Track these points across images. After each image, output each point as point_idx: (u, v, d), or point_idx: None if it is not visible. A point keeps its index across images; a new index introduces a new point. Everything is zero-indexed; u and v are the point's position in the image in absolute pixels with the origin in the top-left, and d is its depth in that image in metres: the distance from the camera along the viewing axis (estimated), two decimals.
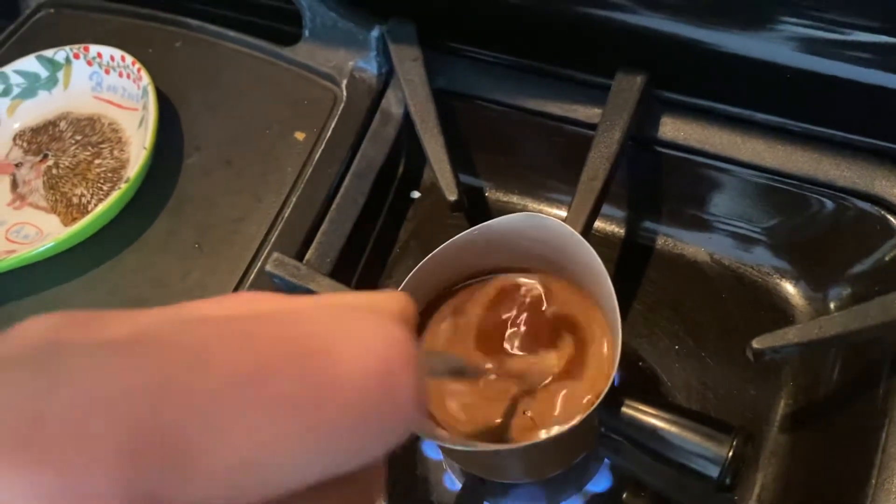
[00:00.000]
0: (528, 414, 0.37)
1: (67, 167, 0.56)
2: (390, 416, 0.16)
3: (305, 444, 0.15)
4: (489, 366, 0.38)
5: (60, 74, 0.60)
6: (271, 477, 0.14)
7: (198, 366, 0.14)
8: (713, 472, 0.33)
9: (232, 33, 0.60)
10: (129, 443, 0.13)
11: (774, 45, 0.45)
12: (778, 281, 0.51)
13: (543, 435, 0.35)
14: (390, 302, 0.21)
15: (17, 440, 0.12)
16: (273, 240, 0.50)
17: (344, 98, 0.56)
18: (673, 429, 0.34)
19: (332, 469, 0.15)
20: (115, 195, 0.50)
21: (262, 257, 0.49)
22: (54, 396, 0.13)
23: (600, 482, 0.44)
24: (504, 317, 0.40)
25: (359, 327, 0.16)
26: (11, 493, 0.12)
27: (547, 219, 0.37)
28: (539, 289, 0.41)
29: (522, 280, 0.41)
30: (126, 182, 0.51)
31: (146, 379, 0.14)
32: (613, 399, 0.35)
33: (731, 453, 0.32)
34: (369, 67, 0.56)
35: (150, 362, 0.14)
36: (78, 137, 0.58)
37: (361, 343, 0.16)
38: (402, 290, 0.37)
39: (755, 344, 0.40)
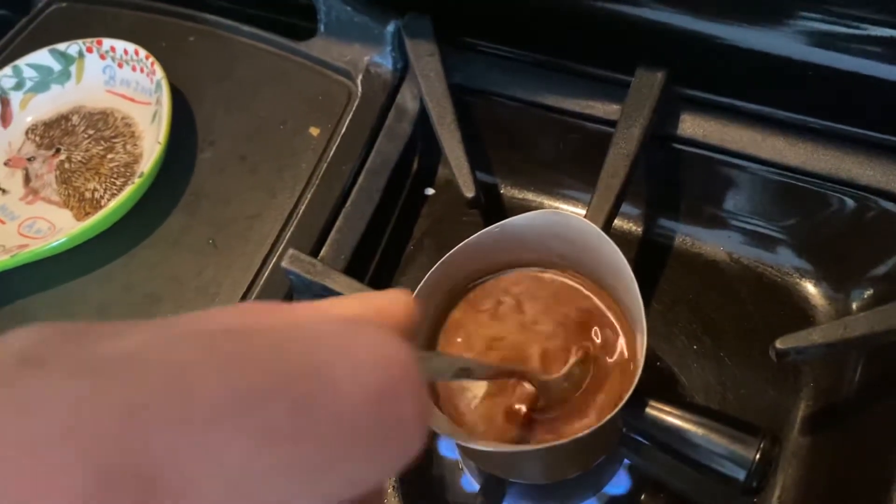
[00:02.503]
0: (550, 414, 0.36)
1: (80, 161, 0.56)
2: (391, 440, 0.15)
3: (295, 477, 0.13)
4: (505, 367, 0.37)
5: (73, 68, 0.59)
6: None
7: (177, 392, 0.12)
8: (740, 474, 0.32)
9: (246, 28, 0.60)
10: (96, 477, 0.11)
11: (796, 42, 0.44)
12: (798, 281, 0.50)
13: (566, 436, 0.34)
14: (395, 307, 0.20)
15: None
16: (288, 236, 0.50)
17: (359, 93, 0.55)
18: (698, 430, 0.33)
19: (329, 499, 0.14)
20: (128, 190, 0.50)
21: (277, 254, 0.49)
22: (16, 424, 0.11)
23: (619, 484, 0.43)
24: (526, 315, 0.40)
25: (357, 344, 0.15)
26: None
27: (571, 216, 0.37)
28: (561, 286, 0.40)
29: (544, 276, 0.41)
30: (139, 177, 0.50)
31: (117, 405, 0.12)
32: (637, 400, 0.34)
33: (758, 455, 0.32)
34: (385, 62, 0.55)
35: (124, 386, 0.12)
36: (91, 132, 0.58)
37: (359, 363, 0.15)
38: (423, 285, 0.37)
39: (779, 344, 0.39)
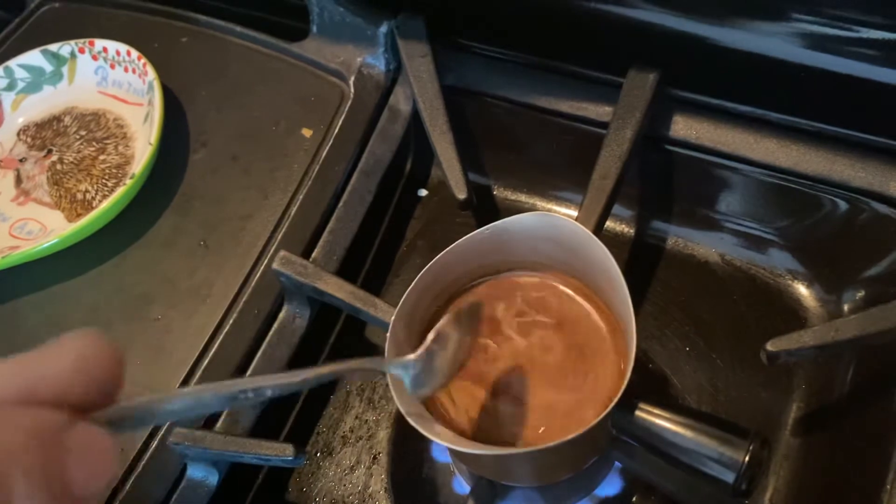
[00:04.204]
0: (541, 416, 0.36)
1: (72, 163, 0.56)
2: None
3: None
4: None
5: (65, 69, 0.59)
6: None
7: None
8: (729, 477, 0.32)
9: (239, 28, 0.60)
10: None
11: (788, 44, 0.44)
12: (790, 282, 0.50)
13: (556, 439, 0.34)
14: (61, 372, 0.18)
15: None
16: (280, 237, 0.50)
17: (352, 94, 0.55)
18: (688, 433, 0.33)
19: None
20: (120, 191, 0.50)
21: (269, 255, 0.49)
22: None
23: (610, 486, 0.43)
24: (514, 316, 0.40)
25: None
26: None
27: (561, 219, 0.37)
28: (551, 288, 0.40)
29: (535, 279, 0.41)
30: (131, 178, 0.50)
31: None
32: (627, 402, 0.34)
33: (747, 458, 0.32)
34: (377, 64, 0.55)
35: None
36: (83, 133, 0.57)
37: None
38: (413, 288, 0.37)
39: (770, 346, 0.39)
